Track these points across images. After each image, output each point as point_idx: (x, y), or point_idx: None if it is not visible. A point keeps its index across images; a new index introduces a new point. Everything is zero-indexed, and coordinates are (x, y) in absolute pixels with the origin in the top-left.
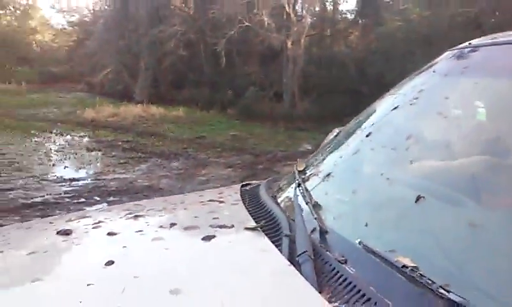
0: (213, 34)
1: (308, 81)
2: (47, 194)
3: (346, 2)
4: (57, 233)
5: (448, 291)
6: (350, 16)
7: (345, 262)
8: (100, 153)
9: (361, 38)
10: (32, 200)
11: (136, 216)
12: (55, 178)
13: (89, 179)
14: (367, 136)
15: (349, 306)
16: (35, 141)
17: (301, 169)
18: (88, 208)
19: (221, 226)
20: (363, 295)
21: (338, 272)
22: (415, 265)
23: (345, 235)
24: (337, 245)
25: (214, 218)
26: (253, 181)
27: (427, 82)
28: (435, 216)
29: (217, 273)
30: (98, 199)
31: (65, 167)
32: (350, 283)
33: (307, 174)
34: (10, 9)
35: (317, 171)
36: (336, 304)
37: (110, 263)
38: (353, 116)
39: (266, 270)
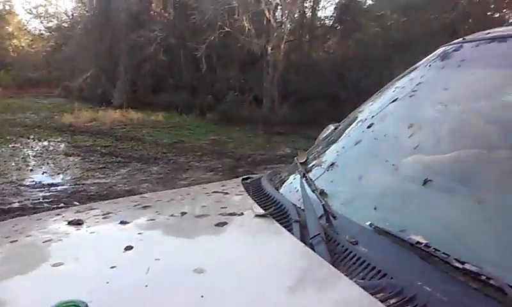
0: (193, 40)
1: (287, 86)
2: (25, 200)
3: (325, 8)
4: (69, 223)
5: (463, 263)
6: (328, 23)
7: (357, 243)
8: (78, 158)
9: (339, 44)
10: (9, 205)
11: (145, 206)
12: (33, 183)
13: (68, 184)
14: (369, 127)
15: (366, 280)
16: (12, 147)
17: (303, 160)
18: None
19: (231, 214)
20: (379, 271)
21: (351, 252)
22: (427, 242)
23: (354, 219)
24: (347, 229)
25: (222, 207)
26: (253, 175)
27: (425, 75)
28: (443, 197)
29: (235, 253)
30: (77, 204)
31: (43, 172)
32: (364, 261)
33: (309, 166)
34: None
35: (320, 161)
36: (354, 279)
37: (129, 248)
38: (331, 121)
39: (282, 250)
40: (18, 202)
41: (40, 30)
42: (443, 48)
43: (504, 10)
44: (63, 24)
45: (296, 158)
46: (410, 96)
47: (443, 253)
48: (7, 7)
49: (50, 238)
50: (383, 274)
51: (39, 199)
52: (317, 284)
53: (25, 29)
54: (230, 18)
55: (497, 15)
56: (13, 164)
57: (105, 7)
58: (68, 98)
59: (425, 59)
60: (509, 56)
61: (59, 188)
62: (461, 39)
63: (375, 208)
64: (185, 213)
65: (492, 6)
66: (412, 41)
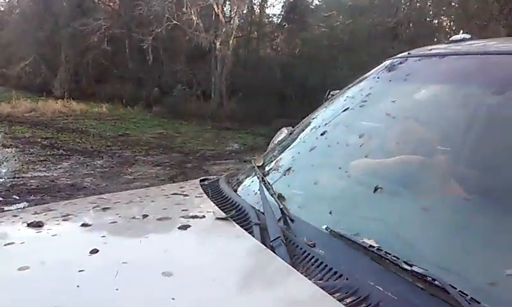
0: (139, 31)
1: (235, 82)
2: None
3: (273, 6)
4: (28, 225)
5: (411, 265)
6: (276, 20)
7: (314, 246)
8: (17, 150)
9: (287, 42)
10: None
11: (104, 208)
12: None
13: (6, 177)
14: (322, 134)
15: (324, 281)
16: None
17: (260, 164)
18: (6, 208)
19: (193, 217)
20: (335, 272)
21: (309, 254)
22: (378, 246)
23: (311, 222)
24: (304, 231)
25: (183, 210)
26: (211, 177)
27: (374, 87)
28: (392, 203)
29: (200, 256)
30: (17, 198)
31: None
32: (322, 262)
33: (266, 169)
34: None
35: (277, 166)
36: (312, 280)
37: (94, 251)
38: (278, 117)
39: (244, 252)
40: None
41: None
42: (390, 61)
43: (442, 17)
44: None
45: (253, 161)
46: (361, 106)
47: (394, 256)
48: None
49: (12, 242)
50: (339, 275)
51: None
52: (277, 285)
53: None
54: (177, 10)
55: (436, 21)
56: None
57: None
58: (4, 87)
59: (373, 70)
60: (447, 72)
61: None
62: (406, 53)
63: (330, 213)
64: (147, 215)
65: (431, 12)
66: (356, 43)
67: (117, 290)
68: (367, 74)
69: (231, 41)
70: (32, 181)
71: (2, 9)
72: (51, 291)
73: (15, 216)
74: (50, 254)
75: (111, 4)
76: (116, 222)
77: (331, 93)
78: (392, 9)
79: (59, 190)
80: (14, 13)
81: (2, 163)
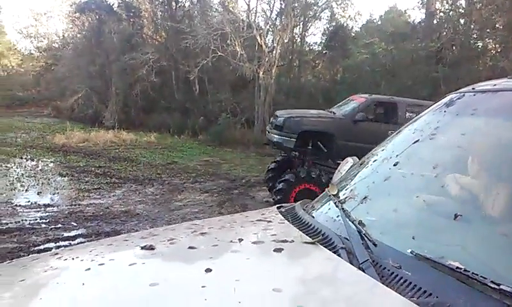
0: (185, 63)
1: (277, 109)
2: (22, 220)
3: (314, 35)
4: (142, 248)
5: (498, 284)
6: (317, 48)
7: (401, 267)
8: (73, 179)
9: (328, 69)
10: (7, 226)
11: (202, 233)
12: (29, 203)
13: (64, 205)
14: (395, 165)
15: (416, 298)
16: (5, 166)
17: (335, 193)
18: (65, 234)
19: (283, 241)
20: (425, 291)
21: (397, 275)
22: (464, 267)
23: (394, 247)
24: (388, 255)
25: (272, 234)
26: (286, 204)
27: (441, 120)
28: (473, 229)
29: (301, 274)
30: (75, 224)
31: (39, 192)
32: (410, 282)
33: (342, 198)
34: None
35: (353, 194)
36: (407, 298)
37: (208, 270)
38: None
39: (337, 273)
40: (16, 222)
41: (29, 50)
42: (454, 95)
43: (486, 39)
44: (54, 44)
45: (327, 190)
46: (431, 139)
47: (481, 276)
48: None
49: (134, 262)
50: (429, 293)
51: (36, 219)
52: (375, 303)
53: (15, 49)
54: (222, 42)
55: (480, 44)
56: (7, 184)
57: (97, 30)
58: (58, 118)
59: (436, 104)
60: None
61: (55, 208)
62: (470, 88)
63: (413, 238)
64: (242, 239)
65: (475, 35)
66: (399, 68)
67: (240, 303)
68: (431, 107)
69: (273, 70)
70: (88, 208)
71: (56, 45)
72: (186, 304)
73: (126, 240)
74: (171, 272)
75: (158, 38)
76: (217, 245)
77: None
78: (435, 33)
79: (113, 217)
80: (67, 49)
81: (60, 191)
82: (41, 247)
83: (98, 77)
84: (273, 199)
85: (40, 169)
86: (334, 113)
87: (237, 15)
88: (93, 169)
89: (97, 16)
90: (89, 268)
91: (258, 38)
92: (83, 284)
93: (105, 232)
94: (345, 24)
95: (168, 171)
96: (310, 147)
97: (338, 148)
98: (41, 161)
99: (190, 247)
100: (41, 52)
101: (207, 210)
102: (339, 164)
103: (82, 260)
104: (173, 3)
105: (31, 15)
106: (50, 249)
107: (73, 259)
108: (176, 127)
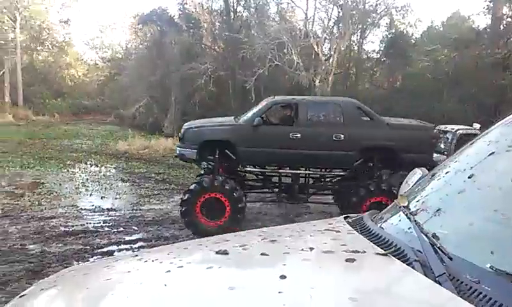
0: (242, 72)
1: None
2: (87, 223)
3: (372, 42)
4: (216, 252)
5: None
6: (375, 56)
7: (479, 282)
8: (134, 185)
9: (386, 77)
10: (73, 228)
11: (272, 240)
12: (93, 207)
13: (126, 209)
14: (470, 177)
15: None
16: (71, 172)
17: (405, 204)
18: (127, 237)
19: (354, 251)
20: None
21: (476, 289)
22: None
23: (471, 261)
24: (465, 269)
25: (341, 244)
26: (352, 215)
27: None
28: None
29: (376, 285)
30: (136, 228)
31: (102, 197)
32: (491, 298)
33: (413, 209)
34: (48, 46)
35: (425, 206)
36: None
37: (283, 277)
38: None
39: (412, 285)
40: (81, 225)
41: (95, 60)
42: None
43: None
44: (117, 55)
45: (396, 201)
46: (507, 151)
47: None
48: (67, 39)
49: (211, 266)
50: None
51: (100, 222)
52: None
53: (82, 59)
54: (279, 52)
55: None
56: (73, 188)
57: (159, 40)
58: (120, 126)
59: (507, 118)
60: None
61: (117, 213)
62: None
63: (492, 252)
64: (313, 248)
65: None
66: (463, 75)
67: None
68: (504, 120)
69: (330, 78)
70: (148, 213)
71: (120, 56)
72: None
73: (200, 245)
74: (247, 277)
75: (217, 48)
76: (288, 253)
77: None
78: (502, 39)
79: (172, 222)
80: (130, 59)
81: (122, 196)
82: (105, 249)
83: (159, 86)
84: (180, 211)
85: (103, 175)
86: (238, 120)
87: (294, 24)
88: (153, 175)
89: (159, 28)
90: (169, 271)
91: (315, 46)
92: (165, 285)
93: (165, 237)
94: (405, 31)
95: None
96: (217, 156)
97: (239, 155)
98: (105, 167)
99: (262, 254)
100: (105, 63)
101: (262, 209)
102: (248, 171)
103: (161, 262)
104: (231, 14)
105: (97, 27)
106: (113, 251)
107: (152, 261)
108: None
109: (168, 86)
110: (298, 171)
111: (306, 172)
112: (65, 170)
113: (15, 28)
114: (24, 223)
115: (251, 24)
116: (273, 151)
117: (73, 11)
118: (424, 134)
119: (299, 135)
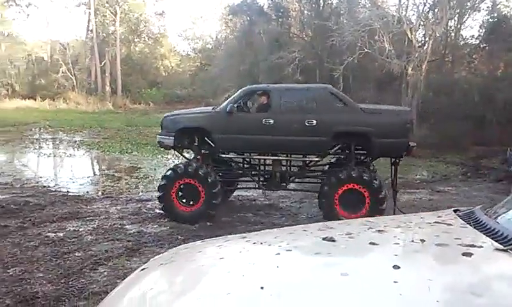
0: (330, 61)
1: (426, 107)
2: None
3: (471, 28)
4: (323, 239)
5: None
6: (474, 42)
7: None
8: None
9: (486, 64)
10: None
11: (379, 230)
12: None
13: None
14: None
15: None
16: (165, 157)
17: None
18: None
19: (470, 246)
20: None
21: None
22: None
23: None
24: None
25: (455, 238)
26: (462, 208)
27: None
28: None
29: (500, 282)
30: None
31: None
32: None
33: None
34: (144, 38)
35: None
36: None
37: (396, 267)
38: (475, 144)
39: None
40: None
41: (187, 51)
42: None
43: None
44: (208, 46)
45: None
46: None
47: None
48: (161, 31)
49: (319, 252)
50: None
51: None
52: None
53: (175, 50)
54: (369, 39)
55: None
56: None
57: (248, 30)
58: None
59: None
60: None
61: None
62: None
63: None
64: (424, 240)
65: None
66: None
67: (438, 302)
68: None
69: (424, 66)
70: (236, 200)
71: (210, 46)
72: (381, 296)
73: (305, 230)
74: (357, 264)
75: (305, 36)
76: (398, 244)
77: None
78: None
79: (259, 209)
80: (220, 49)
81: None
82: (195, 233)
83: (247, 75)
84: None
85: None
86: (215, 108)
87: (386, 10)
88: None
89: (248, 18)
90: (278, 253)
91: (408, 32)
92: (277, 266)
93: (251, 222)
94: (509, 15)
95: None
96: (196, 144)
97: (215, 141)
98: None
99: (371, 243)
100: (196, 53)
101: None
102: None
103: (269, 245)
104: (321, 1)
105: (189, 18)
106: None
107: (261, 243)
108: None
109: (256, 75)
110: (277, 157)
111: (287, 159)
112: (160, 156)
113: (115, 21)
114: (123, 204)
115: (340, 11)
116: (246, 137)
117: (167, 3)
118: (398, 119)
119: (272, 121)
